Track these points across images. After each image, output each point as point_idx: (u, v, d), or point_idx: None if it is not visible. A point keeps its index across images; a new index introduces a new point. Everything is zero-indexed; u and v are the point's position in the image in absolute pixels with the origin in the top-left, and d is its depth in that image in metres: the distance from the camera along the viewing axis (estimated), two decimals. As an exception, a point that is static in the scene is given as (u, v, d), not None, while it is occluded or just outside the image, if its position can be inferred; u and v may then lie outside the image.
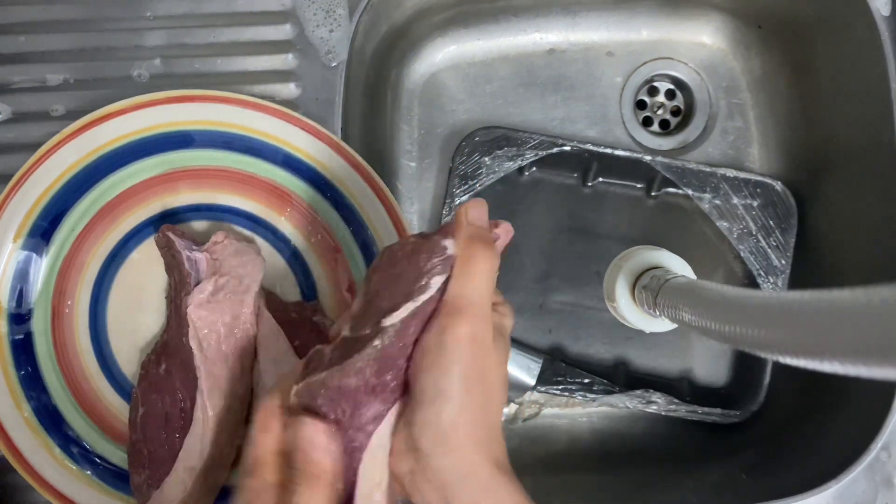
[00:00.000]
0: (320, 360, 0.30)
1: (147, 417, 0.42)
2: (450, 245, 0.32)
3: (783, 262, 0.53)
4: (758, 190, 0.53)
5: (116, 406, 0.44)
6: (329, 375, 0.29)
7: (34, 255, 0.43)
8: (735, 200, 0.54)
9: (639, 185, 0.56)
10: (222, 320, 0.41)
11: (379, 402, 0.30)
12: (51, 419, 0.43)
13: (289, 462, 0.29)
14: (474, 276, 0.31)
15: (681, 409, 0.52)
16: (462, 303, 0.30)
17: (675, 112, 0.60)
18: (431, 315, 0.30)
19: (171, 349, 0.42)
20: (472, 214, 0.33)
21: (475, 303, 0.30)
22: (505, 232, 0.35)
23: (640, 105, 0.59)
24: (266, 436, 0.30)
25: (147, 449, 0.41)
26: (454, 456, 0.28)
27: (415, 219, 0.57)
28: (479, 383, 0.29)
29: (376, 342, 0.29)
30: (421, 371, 0.29)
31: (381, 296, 0.31)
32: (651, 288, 0.41)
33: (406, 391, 0.30)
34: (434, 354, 0.29)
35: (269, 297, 0.44)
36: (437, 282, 0.30)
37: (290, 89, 0.47)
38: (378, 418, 0.30)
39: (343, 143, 0.44)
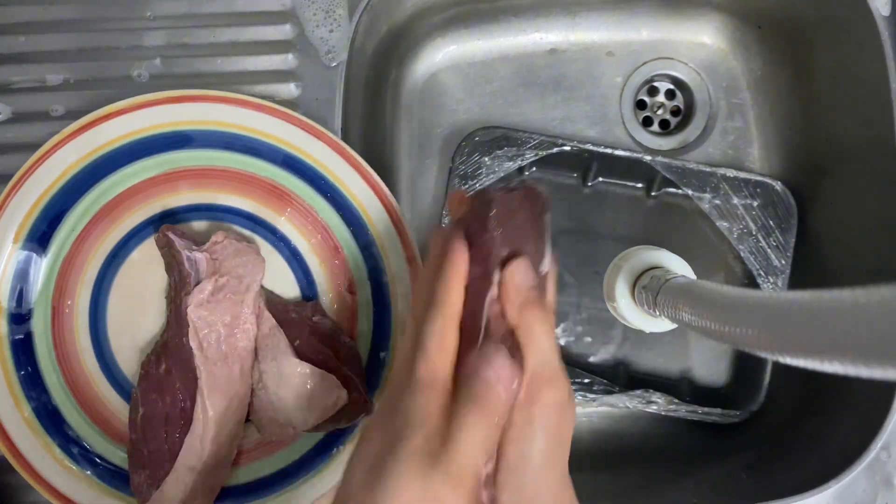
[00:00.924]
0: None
1: (147, 417, 0.42)
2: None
3: (783, 262, 0.53)
4: (758, 190, 0.53)
5: (116, 406, 0.44)
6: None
7: (34, 255, 0.43)
8: (735, 200, 0.54)
9: (639, 185, 0.56)
10: (222, 320, 0.41)
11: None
12: (51, 419, 0.43)
13: (465, 385, 0.29)
14: (542, 342, 0.31)
15: (681, 409, 0.52)
16: (543, 372, 0.30)
17: (675, 112, 0.60)
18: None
19: (171, 349, 0.42)
20: (518, 279, 0.32)
21: (553, 368, 0.31)
22: (552, 271, 0.34)
23: (640, 105, 0.59)
24: (442, 355, 0.30)
25: (147, 449, 0.41)
26: None
27: (415, 219, 0.57)
28: (559, 445, 0.30)
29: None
30: (510, 441, 0.30)
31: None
32: (651, 288, 0.41)
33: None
34: (522, 424, 0.30)
35: (269, 298, 0.44)
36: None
37: (290, 89, 0.47)
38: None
39: (343, 143, 0.44)
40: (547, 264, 0.33)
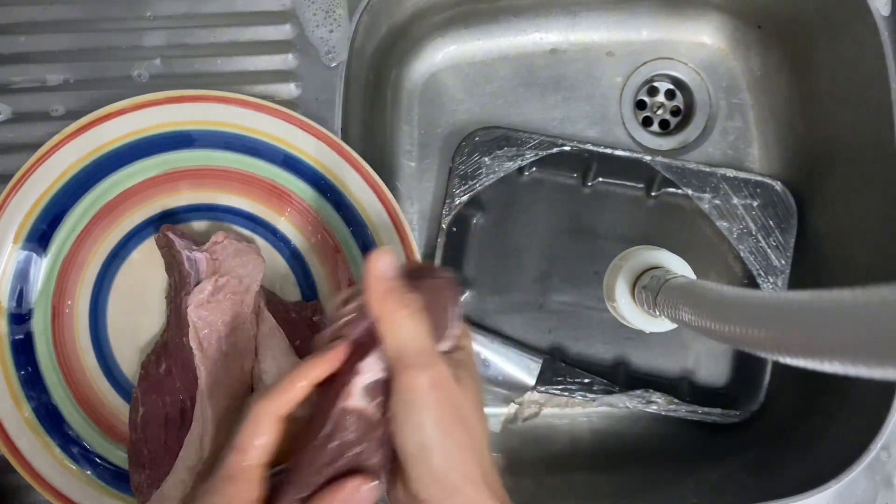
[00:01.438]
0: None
1: (147, 417, 0.42)
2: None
3: (783, 262, 0.53)
4: (758, 190, 0.53)
5: (116, 406, 0.44)
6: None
7: (34, 255, 0.43)
8: (735, 200, 0.54)
9: (639, 185, 0.56)
10: (222, 320, 0.41)
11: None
12: (51, 419, 0.43)
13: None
14: (404, 329, 0.31)
15: (681, 409, 0.52)
16: (404, 358, 0.30)
17: (675, 112, 0.60)
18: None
19: (171, 349, 0.42)
20: (380, 268, 0.31)
21: (415, 352, 0.30)
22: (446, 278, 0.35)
23: (640, 105, 0.59)
24: (255, 448, 0.30)
25: (147, 449, 0.41)
26: (456, 499, 0.29)
27: (415, 219, 0.57)
28: (456, 423, 0.30)
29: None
30: (398, 433, 0.30)
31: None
32: (651, 288, 0.41)
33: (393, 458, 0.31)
34: (403, 413, 0.30)
35: (269, 298, 0.44)
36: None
37: (290, 89, 0.47)
38: None
39: (343, 144, 0.44)
40: (447, 345, 0.33)
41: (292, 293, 0.46)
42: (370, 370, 0.31)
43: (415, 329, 0.31)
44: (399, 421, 0.30)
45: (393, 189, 0.57)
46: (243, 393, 0.42)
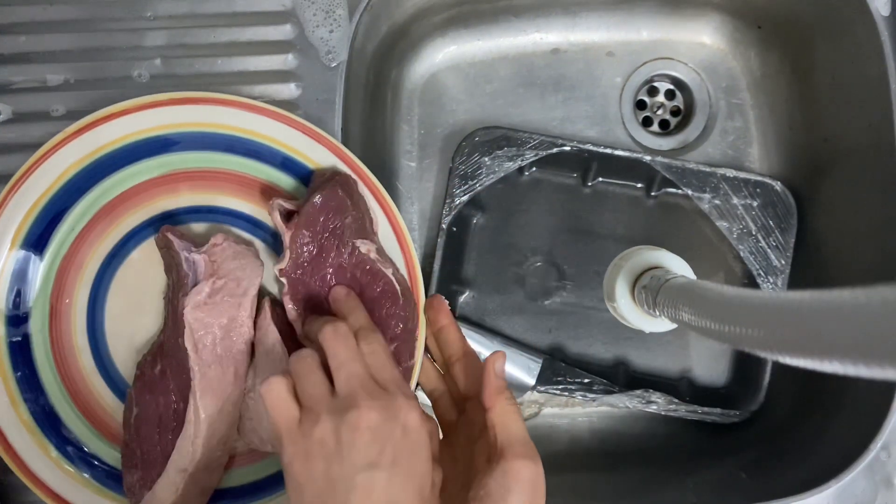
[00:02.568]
0: None
1: (141, 418, 0.41)
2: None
3: (783, 262, 0.53)
4: (758, 190, 0.53)
5: (113, 407, 0.44)
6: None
7: (33, 255, 0.43)
8: (735, 200, 0.54)
9: (639, 185, 0.56)
10: (219, 323, 0.40)
11: None
12: (48, 420, 0.43)
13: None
14: (514, 422, 0.36)
15: (681, 409, 0.52)
16: (515, 446, 0.35)
17: (675, 112, 0.60)
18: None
19: (167, 350, 0.42)
20: (498, 368, 0.38)
21: (529, 448, 0.36)
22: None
23: (640, 105, 0.59)
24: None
25: (140, 449, 0.41)
26: None
27: (415, 219, 0.57)
28: None
29: None
30: None
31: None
32: (651, 288, 0.41)
33: None
34: (497, 494, 0.34)
35: (273, 305, 0.43)
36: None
37: (290, 89, 0.47)
38: None
39: (342, 147, 0.44)
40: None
41: (292, 293, 0.46)
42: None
43: (522, 424, 0.37)
44: (493, 499, 0.34)
45: (393, 189, 0.57)
46: (236, 397, 0.42)
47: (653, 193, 0.56)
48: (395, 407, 0.33)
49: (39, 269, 0.43)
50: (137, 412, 0.42)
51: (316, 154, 0.44)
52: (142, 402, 0.42)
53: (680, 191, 0.54)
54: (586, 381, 0.53)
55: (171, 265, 0.42)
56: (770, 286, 0.53)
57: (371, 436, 0.32)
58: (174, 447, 0.40)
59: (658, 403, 0.52)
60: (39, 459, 0.42)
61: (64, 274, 0.44)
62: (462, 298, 0.56)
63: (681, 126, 0.59)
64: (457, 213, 0.53)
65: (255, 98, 0.44)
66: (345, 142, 0.47)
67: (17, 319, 0.43)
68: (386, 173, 0.56)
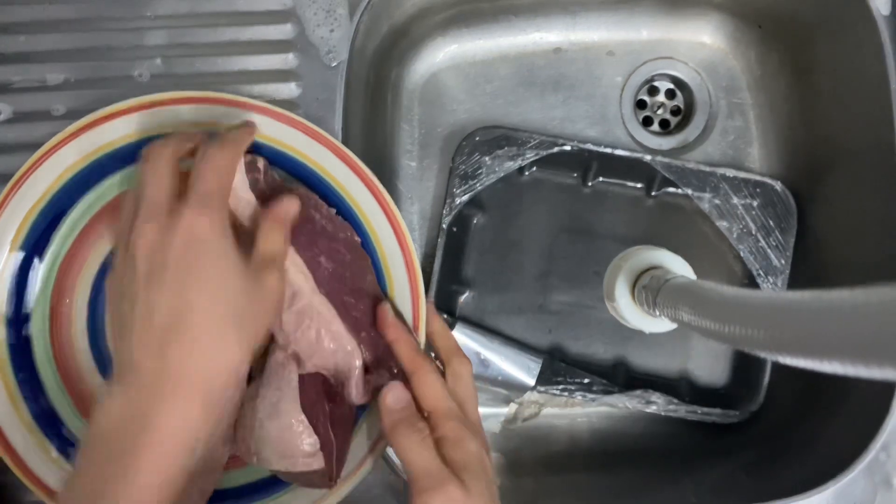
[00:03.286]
0: None
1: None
2: None
3: (783, 262, 0.53)
4: (758, 190, 0.53)
5: (116, 406, 0.44)
6: None
7: (33, 255, 0.43)
8: (735, 200, 0.54)
9: (638, 185, 0.56)
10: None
11: None
12: (48, 421, 0.43)
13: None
14: (412, 453, 0.37)
15: (680, 409, 0.52)
16: (419, 481, 0.36)
17: (675, 112, 0.60)
18: None
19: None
20: (388, 401, 0.39)
21: (426, 474, 0.36)
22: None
23: (640, 105, 0.59)
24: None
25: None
26: None
27: (415, 219, 0.57)
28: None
29: None
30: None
31: None
32: (651, 288, 0.41)
33: None
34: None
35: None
36: None
37: (290, 89, 0.47)
38: None
39: (343, 147, 0.44)
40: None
41: (292, 293, 0.46)
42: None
43: (426, 454, 0.36)
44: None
45: (393, 189, 0.57)
46: (237, 397, 0.41)
47: (653, 193, 0.56)
48: (175, 221, 0.33)
49: (40, 271, 0.43)
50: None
51: (316, 154, 0.44)
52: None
53: (680, 191, 0.54)
54: (586, 381, 0.53)
55: None
56: (770, 286, 0.53)
57: (148, 249, 0.33)
58: None
59: (658, 404, 0.52)
60: (39, 459, 0.42)
61: (64, 275, 0.44)
62: (462, 298, 0.56)
63: (681, 126, 0.59)
64: (457, 213, 0.53)
65: (255, 97, 0.44)
66: (345, 141, 0.47)
67: (18, 321, 0.43)
68: (386, 173, 0.56)
